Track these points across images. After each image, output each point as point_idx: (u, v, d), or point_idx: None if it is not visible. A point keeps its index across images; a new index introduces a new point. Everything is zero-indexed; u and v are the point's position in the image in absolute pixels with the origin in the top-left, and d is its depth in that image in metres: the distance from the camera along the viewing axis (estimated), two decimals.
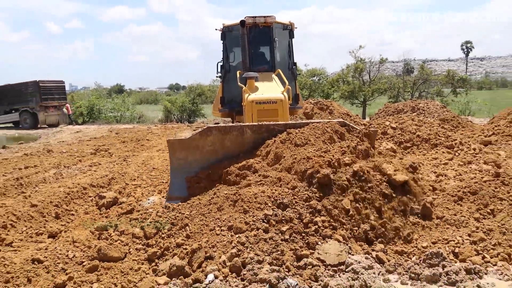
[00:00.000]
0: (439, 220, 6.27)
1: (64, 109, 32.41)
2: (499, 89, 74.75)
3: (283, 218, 5.48)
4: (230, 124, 8.00)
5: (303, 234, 5.38)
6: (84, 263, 5.48)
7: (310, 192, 5.83)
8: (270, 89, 8.93)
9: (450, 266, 5.07)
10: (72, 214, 7.65)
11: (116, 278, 5.12)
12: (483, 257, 5.42)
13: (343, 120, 7.57)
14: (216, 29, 10.60)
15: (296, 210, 5.59)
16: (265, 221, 5.49)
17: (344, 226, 5.59)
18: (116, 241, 5.97)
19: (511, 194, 6.71)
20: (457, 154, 9.88)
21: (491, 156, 9.17)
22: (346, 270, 4.97)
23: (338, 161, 6.17)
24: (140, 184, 9.21)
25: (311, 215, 5.55)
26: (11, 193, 8.96)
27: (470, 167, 8.45)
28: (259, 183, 6.27)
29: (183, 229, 5.83)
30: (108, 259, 5.53)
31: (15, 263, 5.47)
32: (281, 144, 6.86)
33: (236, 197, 6.00)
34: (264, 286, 4.69)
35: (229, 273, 4.97)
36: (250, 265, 4.94)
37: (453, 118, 15.99)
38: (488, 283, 4.86)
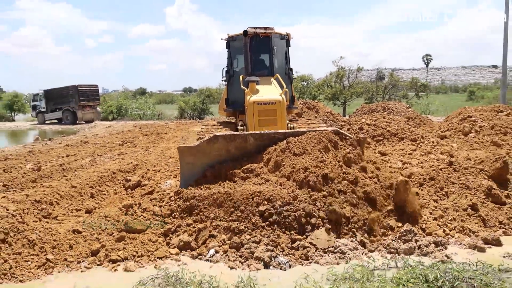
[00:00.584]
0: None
1: (98, 108, 32.52)
2: (452, 94, 74.65)
3: (280, 218, 5.23)
4: (235, 132, 7.28)
5: (298, 227, 5.21)
6: (114, 234, 5.51)
7: (307, 198, 5.51)
8: (269, 91, 8.47)
9: (421, 240, 5.08)
10: (104, 194, 7.66)
11: (138, 247, 5.18)
12: (444, 231, 5.48)
13: (337, 129, 7.07)
14: (221, 39, 10.09)
15: (293, 210, 5.30)
16: (263, 215, 5.29)
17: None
18: (139, 216, 6.00)
19: (461, 178, 6.73)
20: (419, 146, 9.89)
21: (446, 147, 9.19)
22: (334, 251, 4.91)
23: (335, 174, 5.82)
24: (159, 169, 9.20)
25: (307, 218, 5.28)
26: (56, 177, 8.97)
27: (430, 157, 8.47)
28: (260, 185, 5.88)
29: (191, 213, 5.77)
30: (133, 231, 5.56)
31: (59, 233, 5.50)
32: (281, 153, 6.40)
33: (233, 196, 5.64)
34: (259, 263, 4.64)
35: (229, 249, 4.94)
36: (248, 244, 4.90)
37: (416, 117, 15.98)
38: (452, 253, 4.92)
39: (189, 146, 6.74)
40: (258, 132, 6.95)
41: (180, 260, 4.91)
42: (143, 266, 4.79)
